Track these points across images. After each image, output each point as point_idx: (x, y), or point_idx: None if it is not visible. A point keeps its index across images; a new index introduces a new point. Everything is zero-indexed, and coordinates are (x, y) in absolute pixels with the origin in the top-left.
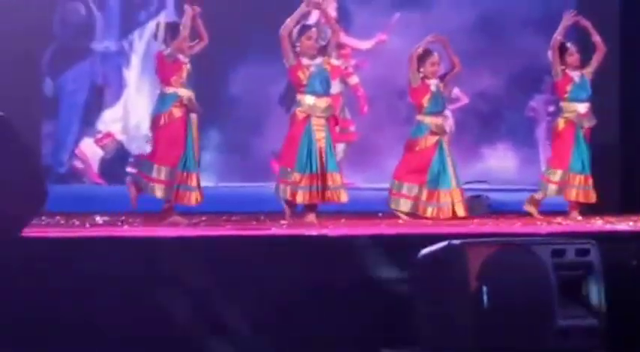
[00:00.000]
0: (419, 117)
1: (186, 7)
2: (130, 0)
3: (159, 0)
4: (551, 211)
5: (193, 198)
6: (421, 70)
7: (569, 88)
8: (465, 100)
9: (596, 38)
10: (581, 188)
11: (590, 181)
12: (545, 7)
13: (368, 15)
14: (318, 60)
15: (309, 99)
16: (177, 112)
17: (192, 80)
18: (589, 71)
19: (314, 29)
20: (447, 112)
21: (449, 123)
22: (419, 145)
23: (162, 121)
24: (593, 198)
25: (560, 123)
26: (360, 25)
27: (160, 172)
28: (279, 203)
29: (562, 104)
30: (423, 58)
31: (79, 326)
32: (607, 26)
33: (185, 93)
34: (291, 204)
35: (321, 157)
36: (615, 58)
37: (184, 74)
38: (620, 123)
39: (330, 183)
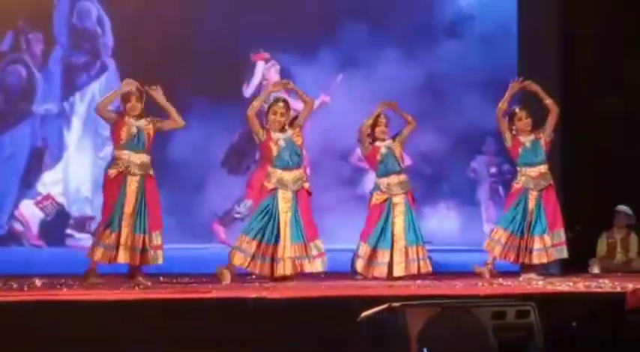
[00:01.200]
0: (375, 179)
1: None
2: (72, 62)
3: (100, 63)
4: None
5: (109, 256)
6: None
7: (520, 152)
8: (407, 162)
9: (548, 101)
10: (511, 248)
11: (531, 243)
12: (487, 69)
13: (310, 76)
14: (288, 133)
15: (278, 174)
16: (112, 173)
17: (140, 143)
18: (547, 134)
19: (280, 104)
20: None
21: None
22: (371, 203)
23: (104, 182)
24: (516, 258)
25: (513, 186)
26: (302, 86)
27: (97, 233)
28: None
29: (517, 168)
30: (372, 124)
31: None
32: (548, 85)
33: (123, 155)
34: (233, 267)
35: (278, 229)
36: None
37: (123, 136)
38: (561, 183)
39: (289, 253)
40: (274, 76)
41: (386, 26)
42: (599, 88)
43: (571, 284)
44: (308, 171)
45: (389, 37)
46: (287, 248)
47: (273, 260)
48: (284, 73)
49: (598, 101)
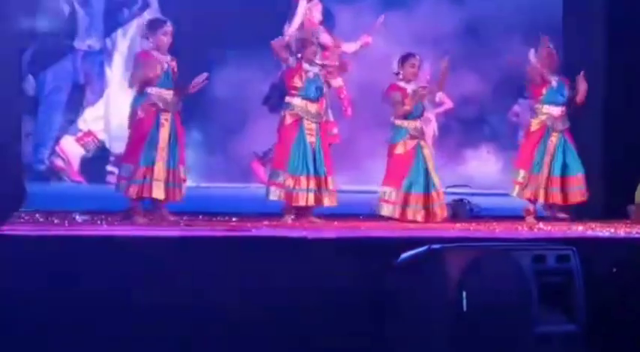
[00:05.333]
0: (397, 122)
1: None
2: None
3: None
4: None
5: (140, 191)
6: (400, 72)
7: (545, 90)
8: (449, 105)
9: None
10: (540, 188)
11: (556, 182)
12: (531, 13)
13: (352, 17)
14: (317, 67)
15: (300, 103)
16: (145, 110)
17: (171, 79)
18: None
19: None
20: (430, 116)
21: (432, 127)
22: (398, 149)
23: (132, 119)
24: (554, 198)
25: (533, 124)
26: (344, 27)
27: (127, 170)
28: (259, 204)
29: (537, 106)
30: (403, 59)
31: (54, 324)
32: (593, 29)
33: (155, 91)
34: (289, 206)
35: (314, 161)
36: (600, 62)
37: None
38: (603, 128)
39: (322, 186)
40: (316, 15)
41: None
42: None
43: (612, 230)
44: (349, 111)
45: None
46: (319, 180)
47: (314, 191)
48: (325, 13)
49: None
